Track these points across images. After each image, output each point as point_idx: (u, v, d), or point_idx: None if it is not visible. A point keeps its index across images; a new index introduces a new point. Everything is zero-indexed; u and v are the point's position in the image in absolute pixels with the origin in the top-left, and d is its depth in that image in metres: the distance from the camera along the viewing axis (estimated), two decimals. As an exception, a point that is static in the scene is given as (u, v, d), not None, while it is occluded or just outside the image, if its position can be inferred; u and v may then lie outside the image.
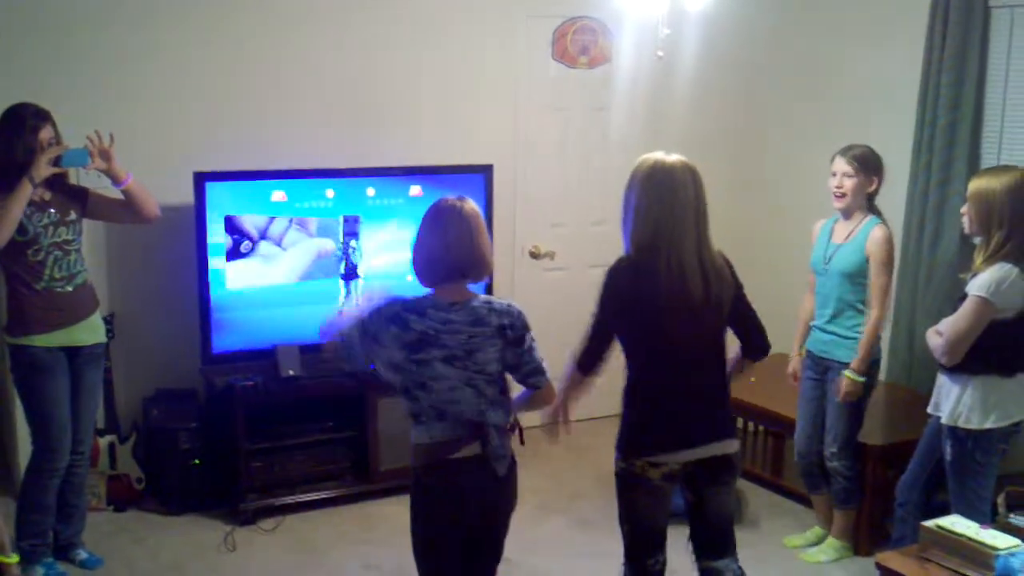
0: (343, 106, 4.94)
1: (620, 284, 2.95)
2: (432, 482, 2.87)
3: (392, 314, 2.81)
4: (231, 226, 4.44)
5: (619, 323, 2.99)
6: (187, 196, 4.37)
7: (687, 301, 2.89)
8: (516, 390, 2.99)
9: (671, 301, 2.89)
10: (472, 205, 2.87)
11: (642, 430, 3.02)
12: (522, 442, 3.03)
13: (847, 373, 3.97)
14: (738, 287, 3.03)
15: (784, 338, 4.15)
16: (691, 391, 2.98)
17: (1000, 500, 3.40)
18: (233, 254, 4.47)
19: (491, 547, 3.01)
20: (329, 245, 4.66)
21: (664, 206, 2.89)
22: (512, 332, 2.83)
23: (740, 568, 3.16)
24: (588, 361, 3.05)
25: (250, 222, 4.48)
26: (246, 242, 4.48)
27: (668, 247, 2.88)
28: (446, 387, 2.80)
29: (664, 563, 3.14)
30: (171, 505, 4.51)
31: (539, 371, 2.90)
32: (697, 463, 3.00)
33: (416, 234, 2.88)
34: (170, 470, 4.51)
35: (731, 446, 3.06)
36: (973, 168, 4.60)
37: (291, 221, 4.55)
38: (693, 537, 3.15)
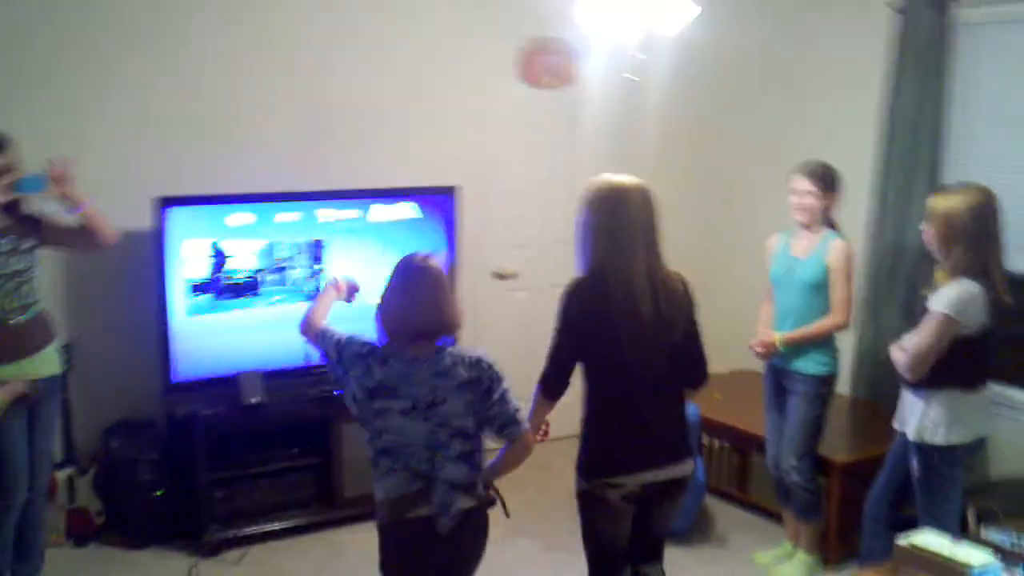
0: (305, 128, 4.89)
1: (573, 306, 2.94)
2: (389, 540, 2.85)
3: (362, 354, 2.81)
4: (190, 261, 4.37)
5: (576, 345, 2.97)
6: (146, 221, 4.29)
7: (637, 321, 2.88)
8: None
9: (622, 322, 2.88)
10: (437, 264, 2.85)
11: (602, 452, 3.01)
12: (507, 514, 3.04)
13: (777, 335, 4.02)
14: (690, 309, 3.02)
15: (748, 355, 4.18)
16: (649, 412, 2.98)
17: (970, 513, 3.42)
18: (198, 287, 4.40)
19: None
20: (293, 270, 4.60)
21: (613, 227, 2.89)
22: (480, 385, 2.79)
23: (663, 572, 3.25)
24: (551, 385, 3.03)
25: (212, 250, 4.42)
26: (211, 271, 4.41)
27: (617, 268, 2.88)
28: (401, 441, 2.76)
29: None
30: (133, 538, 4.41)
31: (513, 421, 2.85)
32: (655, 483, 3.01)
33: (384, 290, 2.85)
34: (131, 502, 4.41)
35: (689, 466, 3.08)
36: (933, 183, 4.66)
37: (254, 247, 4.49)
38: (631, 544, 3.13)
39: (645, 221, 2.91)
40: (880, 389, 4.85)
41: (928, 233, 3.44)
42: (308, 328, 3.04)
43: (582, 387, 3.03)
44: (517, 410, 2.86)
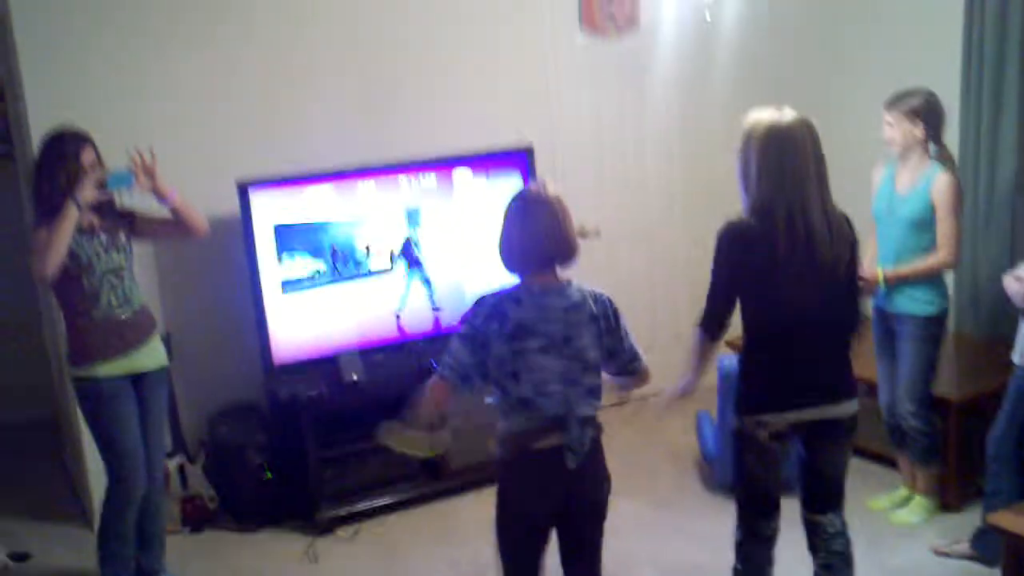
0: (371, 98, 4.83)
1: (735, 246, 2.92)
2: (511, 473, 2.87)
3: (490, 309, 2.79)
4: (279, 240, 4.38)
5: (736, 284, 2.96)
6: (231, 205, 4.30)
7: (811, 262, 2.86)
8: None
9: (794, 262, 2.86)
10: (555, 191, 2.85)
11: (751, 389, 3.02)
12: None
13: (880, 271, 3.91)
14: (856, 249, 2.97)
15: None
16: (806, 353, 2.95)
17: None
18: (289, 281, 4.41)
19: (582, 538, 2.96)
20: (384, 242, 4.58)
21: (785, 166, 2.84)
22: (608, 320, 2.83)
23: (843, 523, 3.16)
24: (711, 324, 3.02)
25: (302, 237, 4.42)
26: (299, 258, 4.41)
27: (790, 208, 2.84)
28: (537, 379, 2.76)
29: (776, 530, 3.11)
30: (247, 521, 4.47)
31: (637, 356, 2.91)
32: (807, 424, 2.98)
33: (502, 224, 2.86)
34: (242, 486, 4.47)
35: (845, 409, 3.01)
36: (1023, 110, 4.50)
37: (339, 222, 4.48)
38: (801, 488, 3.15)
39: (816, 160, 2.88)
40: (984, 324, 4.72)
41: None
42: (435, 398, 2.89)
43: (741, 325, 3.03)
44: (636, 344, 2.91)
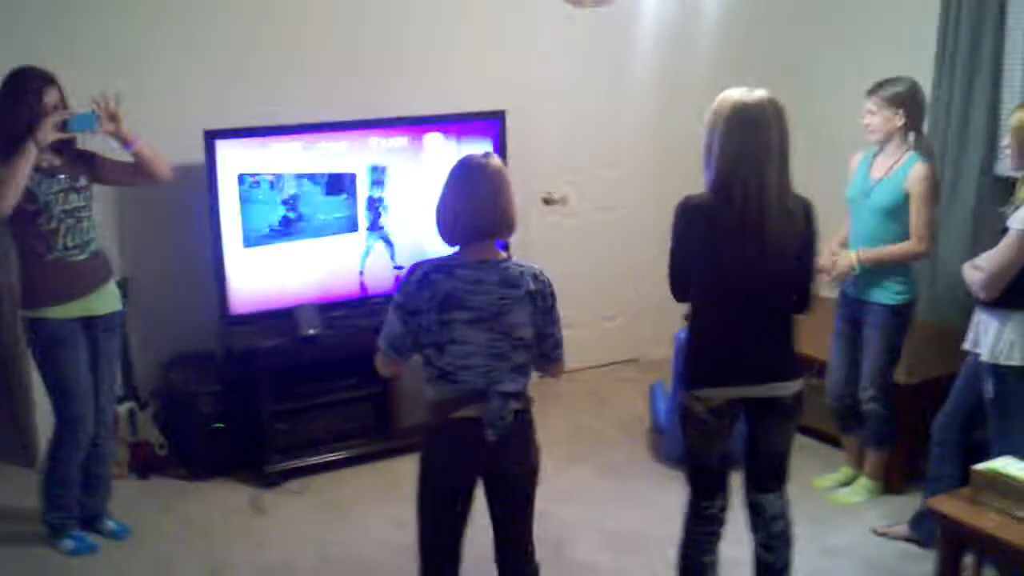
0: (348, 57, 4.78)
1: (686, 221, 2.94)
2: (433, 441, 2.87)
3: (421, 277, 2.75)
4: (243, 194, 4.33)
5: (687, 258, 2.98)
6: (197, 155, 4.24)
7: (760, 243, 2.86)
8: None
9: (744, 241, 2.86)
10: (498, 162, 2.80)
11: (692, 363, 3.05)
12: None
13: (854, 254, 3.94)
14: (809, 235, 2.97)
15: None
16: (749, 330, 2.96)
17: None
18: (248, 220, 4.36)
19: (506, 512, 2.95)
20: (345, 199, 4.54)
21: (746, 146, 2.84)
22: (544, 300, 2.80)
23: (785, 503, 3.18)
24: (675, 290, 3.06)
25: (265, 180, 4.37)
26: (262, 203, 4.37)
27: (747, 187, 2.84)
28: (462, 351, 2.73)
29: (722, 509, 3.13)
30: (196, 470, 4.46)
31: (559, 344, 2.89)
32: (746, 401, 3.00)
33: (441, 192, 2.80)
34: (192, 435, 4.45)
35: (787, 388, 3.02)
36: (995, 96, 4.53)
37: (305, 178, 4.43)
38: (745, 466, 3.18)
39: (779, 140, 2.87)
40: (940, 310, 4.77)
41: (1009, 150, 3.34)
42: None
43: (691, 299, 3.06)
44: (561, 331, 2.89)
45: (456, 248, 2.80)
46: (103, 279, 3.77)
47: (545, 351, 2.87)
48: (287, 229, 4.44)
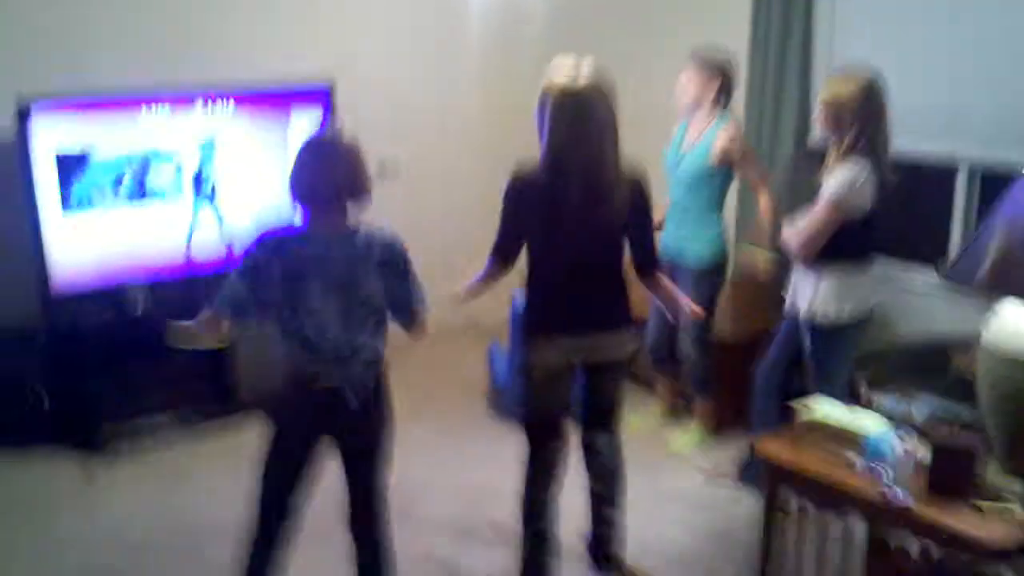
0: (178, 26, 4.64)
1: (515, 197, 3.06)
2: (288, 407, 2.89)
3: (272, 246, 2.75)
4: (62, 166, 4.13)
5: (518, 232, 3.10)
6: (8, 123, 4.02)
7: (594, 216, 3.02)
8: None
9: (575, 214, 3.00)
10: (351, 136, 2.85)
11: (530, 318, 3.20)
12: None
13: (758, 250, 4.14)
14: (640, 203, 3.11)
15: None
16: (581, 290, 3.13)
17: (861, 382, 3.63)
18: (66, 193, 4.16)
19: (358, 477, 2.98)
20: (173, 169, 4.39)
21: (574, 129, 2.95)
22: (395, 267, 2.84)
23: (616, 443, 3.40)
24: (497, 254, 3.14)
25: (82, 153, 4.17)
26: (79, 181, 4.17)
27: (574, 165, 2.97)
28: (315, 321, 2.75)
29: (558, 452, 3.27)
30: (21, 448, 4.27)
31: (420, 300, 2.92)
32: (583, 351, 3.16)
33: (294, 163, 2.80)
34: (16, 412, 4.27)
35: (616, 340, 3.20)
36: (806, 66, 4.77)
37: (127, 149, 4.26)
38: (580, 411, 3.36)
39: (607, 121, 2.99)
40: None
41: (821, 115, 3.54)
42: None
43: (525, 258, 3.16)
44: (423, 291, 2.93)
45: (306, 217, 2.80)
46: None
47: (405, 315, 2.91)
48: (109, 198, 4.26)
